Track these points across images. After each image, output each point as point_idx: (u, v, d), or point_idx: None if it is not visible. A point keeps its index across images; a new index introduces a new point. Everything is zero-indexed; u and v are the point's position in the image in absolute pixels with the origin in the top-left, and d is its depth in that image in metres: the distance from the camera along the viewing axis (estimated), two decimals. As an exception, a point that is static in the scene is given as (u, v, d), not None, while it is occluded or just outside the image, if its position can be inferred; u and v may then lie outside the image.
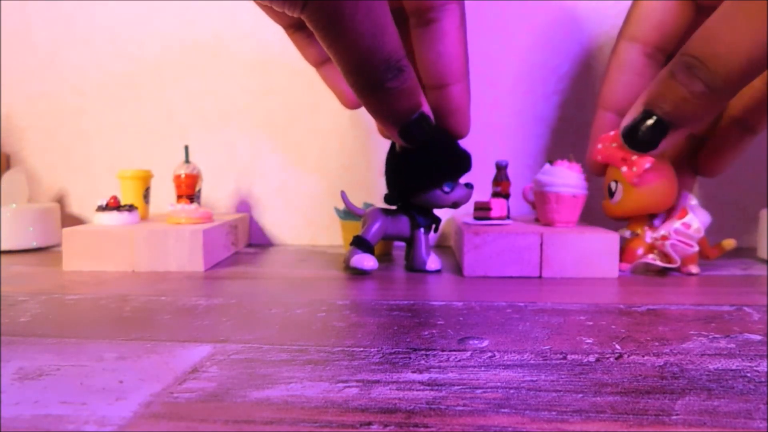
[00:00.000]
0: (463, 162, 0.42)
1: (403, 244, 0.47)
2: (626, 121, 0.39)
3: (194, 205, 0.51)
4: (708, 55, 0.33)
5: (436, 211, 0.46)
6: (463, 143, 0.43)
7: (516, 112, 0.59)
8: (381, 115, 0.37)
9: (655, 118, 0.37)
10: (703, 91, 0.34)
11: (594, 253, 0.42)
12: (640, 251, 0.44)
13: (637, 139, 0.38)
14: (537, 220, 0.50)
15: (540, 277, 0.43)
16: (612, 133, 0.42)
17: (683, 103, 0.35)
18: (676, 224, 0.43)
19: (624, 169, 0.42)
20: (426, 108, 0.37)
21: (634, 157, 0.41)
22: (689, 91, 0.34)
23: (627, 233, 0.46)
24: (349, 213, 0.52)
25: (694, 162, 0.48)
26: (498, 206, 0.47)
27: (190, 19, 0.60)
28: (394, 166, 0.43)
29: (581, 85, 0.58)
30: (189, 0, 0.60)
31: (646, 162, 0.40)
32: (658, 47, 0.43)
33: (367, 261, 0.43)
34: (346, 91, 0.44)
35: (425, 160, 0.41)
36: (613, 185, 0.43)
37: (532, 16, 0.58)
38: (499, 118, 0.59)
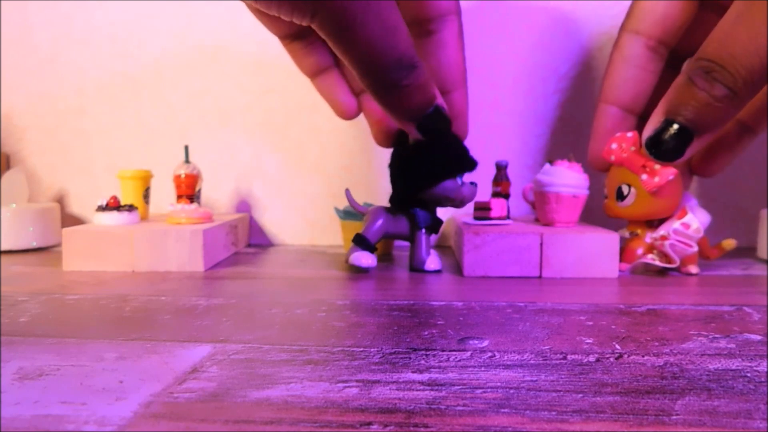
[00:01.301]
0: (470, 158, 0.42)
1: (406, 244, 0.47)
2: (648, 131, 0.39)
3: (194, 205, 0.51)
4: (726, 58, 0.33)
5: (437, 212, 0.46)
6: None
7: (516, 112, 0.59)
8: (398, 113, 0.37)
9: (677, 126, 0.37)
10: (726, 95, 0.34)
11: (594, 253, 0.42)
12: (640, 251, 0.44)
13: (663, 150, 0.38)
14: (537, 220, 0.50)
15: (540, 277, 0.43)
16: (629, 134, 0.42)
17: (706, 108, 0.35)
18: (676, 224, 0.43)
19: (644, 176, 0.41)
20: (440, 100, 0.38)
21: (657, 167, 0.41)
22: (711, 96, 0.34)
23: (627, 234, 0.46)
24: (349, 213, 0.52)
25: (690, 161, 0.48)
26: (498, 206, 0.47)
27: (189, 19, 0.60)
28: (405, 162, 0.43)
29: (581, 85, 0.58)
30: (189, 0, 0.60)
31: (670, 174, 0.40)
32: (660, 40, 0.44)
33: (365, 258, 0.43)
34: (341, 102, 0.44)
35: (439, 151, 0.41)
36: (625, 189, 0.43)
37: (531, 16, 0.58)
38: (499, 118, 0.59)
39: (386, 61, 0.33)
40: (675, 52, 0.45)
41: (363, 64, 0.33)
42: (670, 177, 0.41)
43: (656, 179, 0.41)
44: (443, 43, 0.40)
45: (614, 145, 0.43)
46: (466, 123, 0.43)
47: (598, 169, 0.47)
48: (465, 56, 0.41)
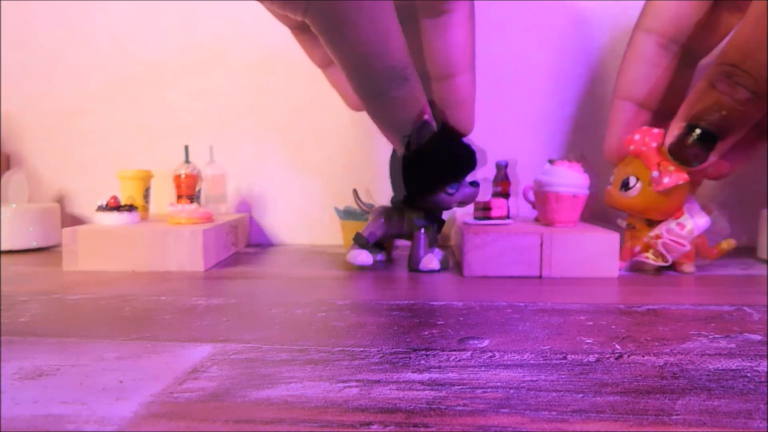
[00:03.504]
0: (465, 163, 0.42)
1: (407, 244, 0.47)
2: (670, 138, 0.39)
3: (194, 205, 0.51)
4: (748, 62, 0.34)
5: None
6: (465, 142, 0.43)
7: (516, 112, 0.59)
8: (383, 123, 0.36)
9: (700, 131, 0.37)
10: (748, 98, 0.34)
11: (594, 253, 0.42)
12: (637, 249, 0.44)
13: (686, 155, 0.38)
14: (537, 220, 0.50)
15: (540, 277, 0.43)
16: (656, 130, 0.42)
17: (729, 111, 0.35)
18: (672, 224, 0.43)
19: (655, 174, 0.41)
20: (428, 116, 0.37)
21: (671, 168, 0.41)
22: (733, 99, 0.34)
23: (624, 224, 0.46)
24: (349, 213, 0.53)
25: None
26: (498, 206, 0.47)
27: (191, 19, 0.60)
28: (397, 170, 0.43)
29: (582, 84, 0.58)
30: (189, 0, 0.60)
31: (681, 178, 0.40)
32: (672, 38, 0.44)
33: (360, 256, 0.44)
34: (351, 93, 0.44)
35: (427, 164, 0.40)
36: (632, 180, 0.43)
37: (531, 16, 0.58)
38: (499, 118, 0.59)
39: (377, 66, 0.32)
40: (689, 51, 0.46)
41: (352, 65, 0.32)
42: (680, 182, 0.41)
43: (666, 180, 0.41)
44: (453, 24, 0.39)
45: (638, 136, 0.43)
46: (472, 109, 0.43)
47: (612, 162, 0.48)
48: (474, 42, 0.41)
